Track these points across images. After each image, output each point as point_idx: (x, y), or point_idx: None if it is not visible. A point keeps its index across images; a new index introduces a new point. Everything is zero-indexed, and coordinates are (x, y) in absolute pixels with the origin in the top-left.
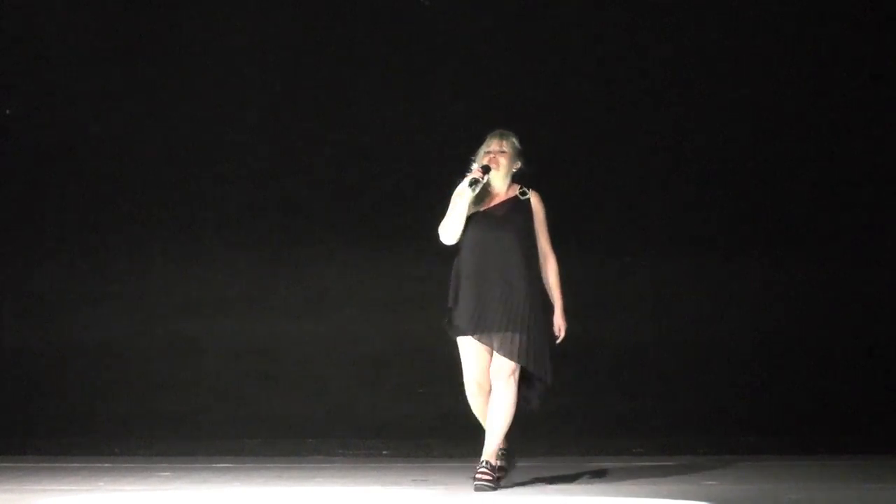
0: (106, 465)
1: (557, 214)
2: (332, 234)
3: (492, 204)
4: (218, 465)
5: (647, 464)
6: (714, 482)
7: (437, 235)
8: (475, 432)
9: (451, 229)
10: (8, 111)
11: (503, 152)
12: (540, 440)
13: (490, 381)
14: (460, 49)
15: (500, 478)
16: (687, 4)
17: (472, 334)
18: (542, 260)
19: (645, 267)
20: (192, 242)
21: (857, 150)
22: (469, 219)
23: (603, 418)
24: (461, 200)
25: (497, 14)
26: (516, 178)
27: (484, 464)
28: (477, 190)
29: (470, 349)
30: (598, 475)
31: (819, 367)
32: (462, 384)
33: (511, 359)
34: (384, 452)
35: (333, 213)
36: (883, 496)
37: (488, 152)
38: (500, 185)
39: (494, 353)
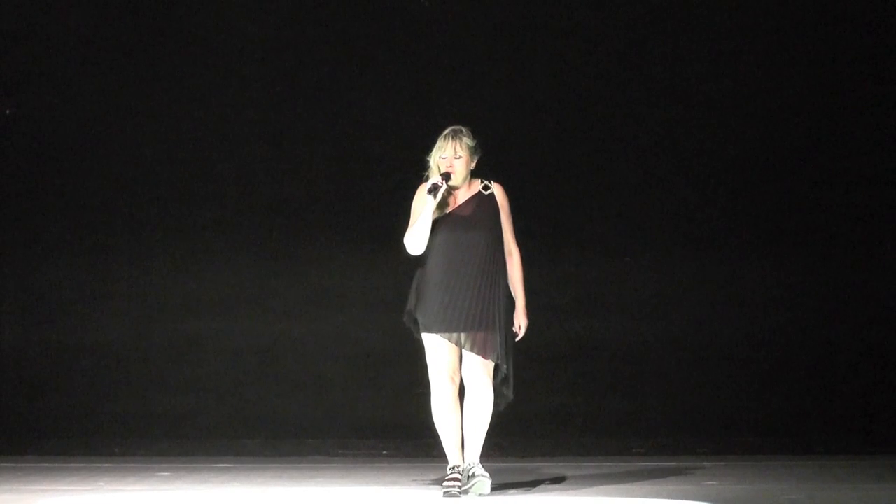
0: (106, 465)
1: (557, 214)
2: (332, 234)
3: (456, 204)
4: (218, 465)
5: (647, 464)
6: (714, 482)
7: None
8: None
9: (418, 238)
10: (8, 111)
11: (458, 157)
12: (540, 440)
13: (460, 377)
14: (460, 49)
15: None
16: (687, 4)
17: (439, 332)
18: (505, 255)
19: (645, 267)
20: (192, 242)
21: (857, 150)
22: (435, 222)
23: (603, 418)
24: (426, 209)
25: (497, 14)
26: (478, 172)
27: (479, 472)
28: (439, 196)
29: (440, 344)
30: (598, 476)
31: (819, 367)
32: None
33: (485, 357)
34: (384, 452)
35: (333, 213)
36: (883, 496)
37: (443, 157)
38: (462, 184)
39: (466, 353)
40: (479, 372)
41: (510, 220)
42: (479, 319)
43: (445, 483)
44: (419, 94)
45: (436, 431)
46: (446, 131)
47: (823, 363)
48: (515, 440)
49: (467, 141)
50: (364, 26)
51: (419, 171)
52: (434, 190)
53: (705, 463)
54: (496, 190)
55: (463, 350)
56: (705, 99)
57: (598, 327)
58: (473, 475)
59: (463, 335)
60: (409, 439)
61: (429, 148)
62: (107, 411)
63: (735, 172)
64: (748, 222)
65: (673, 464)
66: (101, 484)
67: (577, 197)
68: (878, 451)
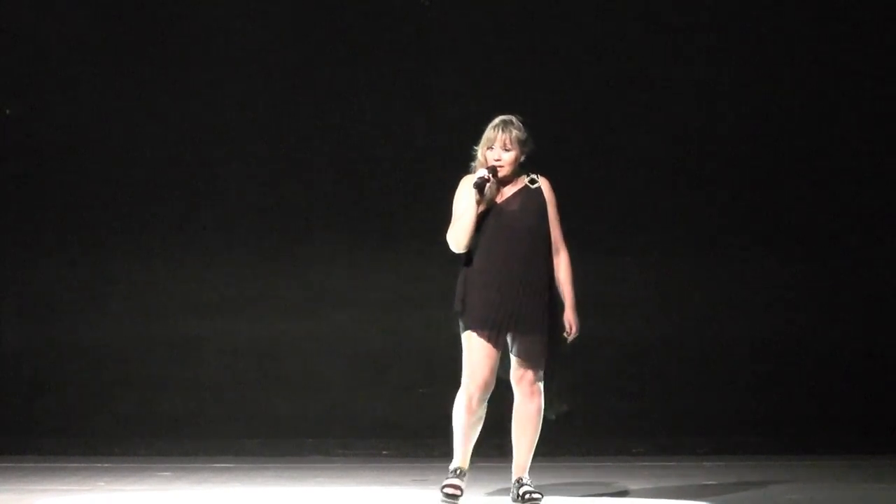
0: (106, 465)
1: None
2: (332, 234)
3: (503, 198)
4: (218, 465)
5: (647, 464)
6: (714, 482)
7: (443, 238)
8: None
9: (462, 235)
10: (8, 111)
11: (508, 150)
12: (540, 440)
13: (494, 385)
14: (460, 49)
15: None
16: (687, 4)
17: (486, 333)
18: (552, 252)
19: (645, 267)
20: (192, 242)
21: (857, 150)
22: (480, 217)
23: (603, 418)
24: (470, 205)
25: (497, 14)
26: (525, 164)
27: (526, 481)
28: (486, 193)
29: (483, 346)
30: (598, 476)
31: (819, 367)
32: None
33: (539, 365)
34: (384, 452)
35: (333, 213)
36: (883, 496)
37: (491, 149)
38: (510, 176)
39: (517, 357)
40: (530, 378)
41: (558, 216)
42: (530, 321)
43: (446, 486)
44: (419, 94)
45: (450, 427)
46: (496, 121)
47: (823, 363)
48: None
49: (518, 134)
50: (364, 26)
51: (420, 171)
52: (480, 185)
53: (705, 463)
54: (543, 184)
55: (511, 354)
56: (705, 99)
57: (599, 327)
58: (528, 496)
59: (511, 337)
60: (409, 439)
61: (429, 147)
62: (107, 411)
63: (735, 172)
64: (748, 222)
65: (673, 464)
66: (101, 484)
67: (577, 197)
68: (878, 451)
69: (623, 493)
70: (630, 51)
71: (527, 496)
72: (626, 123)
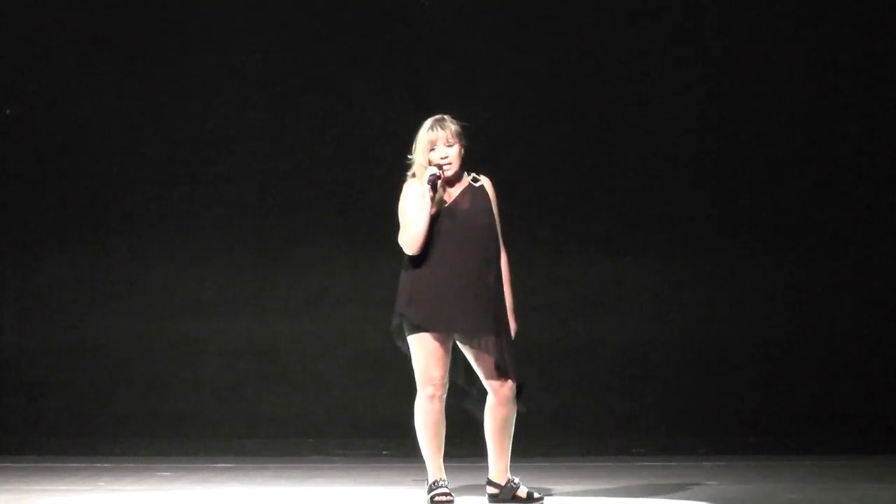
0: (106, 465)
1: (557, 214)
2: (332, 234)
3: (451, 198)
4: (218, 465)
5: (647, 464)
6: (714, 482)
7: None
8: (475, 432)
9: (418, 236)
10: (8, 111)
11: (450, 146)
12: (540, 440)
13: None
14: (460, 49)
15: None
16: (688, 4)
17: (446, 332)
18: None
19: (645, 267)
20: (192, 242)
21: (857, 150)
22: (433, 218)
23: (603, 418)
24: (424, 205)
25: (496, 14)
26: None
27: (519, 482)
28: (438, 192)
29: (438, 345)
30: (598, 476)
31: (819, 367)
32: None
33: (497, 358)
34: (384, 452)
35: (333, 213)
36: (883, 496)
37: (432, 149)
38: (454, 175)
39: (483, 356)
40: (510, 382)
41: (499, 216)
42: (492, 323)
43: (437, 496)
44: (419, 94)
45: (417, 440)
46: (428, 123)
47: (823, 363)
48: (515, 440)
49: (455, 129)
50: (364, 26)
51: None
52: (433, 182)
53: (705, 463)
54: (486, 183)
55: (476, 353)
56: (705, 99)
57: (599, 327)
58: (534, 495)
59: (473, 336)
60: (409, 439)
61: None
62: (107, 411)
63: (735, 172)
64: (748, 222)
65: (673, 464)
66: (101, 484)
67: (578, 197)
68: (878, 451)
69: (623, 493)
70: (630, 51)
71: (535, 496)
72: (625, 123)
